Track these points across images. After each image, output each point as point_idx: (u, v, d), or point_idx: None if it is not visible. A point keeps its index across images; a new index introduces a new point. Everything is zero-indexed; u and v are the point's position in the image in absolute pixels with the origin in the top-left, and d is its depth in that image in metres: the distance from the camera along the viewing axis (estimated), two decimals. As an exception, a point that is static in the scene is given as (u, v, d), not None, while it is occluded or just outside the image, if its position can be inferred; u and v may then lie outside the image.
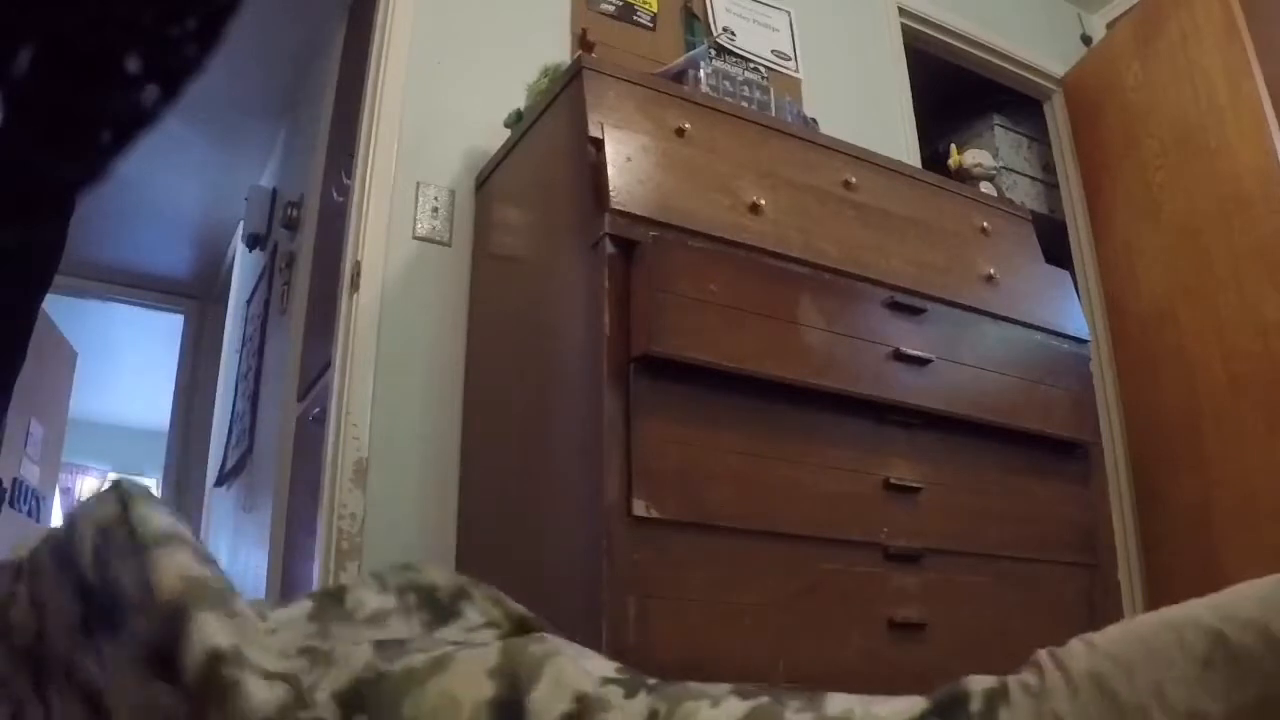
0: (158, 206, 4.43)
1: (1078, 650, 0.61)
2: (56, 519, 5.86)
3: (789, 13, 2.80)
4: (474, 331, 2.02)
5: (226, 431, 3.85)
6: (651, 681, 0.62)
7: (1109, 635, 0.62)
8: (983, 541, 1.69)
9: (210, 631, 0.61)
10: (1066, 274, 2.14)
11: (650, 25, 2.51)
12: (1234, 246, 2.63)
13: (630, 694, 0.60)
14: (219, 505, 3.92)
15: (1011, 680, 0.61)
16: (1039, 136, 3.49)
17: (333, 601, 0.81)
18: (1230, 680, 0.56)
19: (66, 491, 7.08)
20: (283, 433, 2.68)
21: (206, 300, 5.26)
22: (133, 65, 0.37)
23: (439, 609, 0.82)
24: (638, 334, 1.42)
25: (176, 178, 4.19)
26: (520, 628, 0.82)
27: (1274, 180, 2.52)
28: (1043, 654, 0.62)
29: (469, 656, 0.63)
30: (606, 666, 0.65)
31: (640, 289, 1.45)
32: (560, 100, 1.75)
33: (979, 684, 0.61)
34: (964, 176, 2.52)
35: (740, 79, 2.51)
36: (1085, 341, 1.99)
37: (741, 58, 2.61)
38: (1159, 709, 0.56)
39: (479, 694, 0.60)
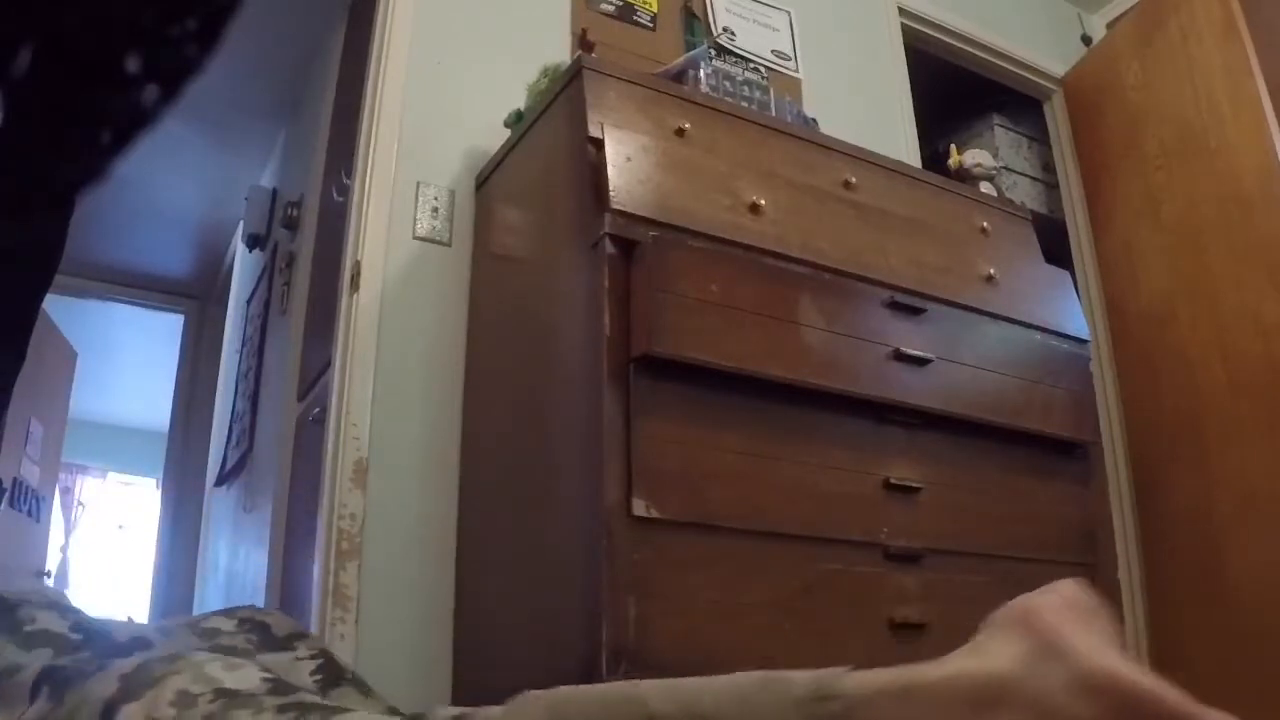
0: (158, 206, 4.44)
1: (544, 695, 0.63)
2: (56, 519, 5.86)
3: (789, 13, 2.80)
4: (474, 331, 2.02)
5: (226, 431, 3.85)
6: (248, 692, 0.65)
7: (564, 693, 0.63)
8: (983, 541, 1.69)
9: None
10: (1066, 274, 2.14)
11: (650, 25, 2.51)
12: (1234, 246, 2.63)
13: (212, 699, 0.63)
14: (219, 505, 3.92)
15: (481, 710, 0.62)
16: (1039, 136, 3.49)
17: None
18: None
19: (66, 491, 7.08)
20: (283, 433, 2.68)
21: (206, 300, 5.26)
22: (133, 65, 0.37)
23: (272, 640, 0.85)
24: (638, 334, 1.42)
25: (176, 178, 4.20)
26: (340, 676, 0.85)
27: (1274, 180, 2.52)
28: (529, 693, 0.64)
29: (119, 664, 0.67)
30: (242, 680, 0.66)
31: (640, 289, 1.45)
32: (560, 100, 1.75)
33: (444, 712, 0.63)
34: (964, 176, 2.52)
35: (740, 79, 2.51)
36: (1085, 341, 1.99)
37: (741, 58, 2.61)
38: None
39: (104, 693, 0.64)
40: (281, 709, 0.61)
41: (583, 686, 0.62)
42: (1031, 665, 0.48)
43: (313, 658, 0.84)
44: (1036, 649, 0.48)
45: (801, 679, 0.52)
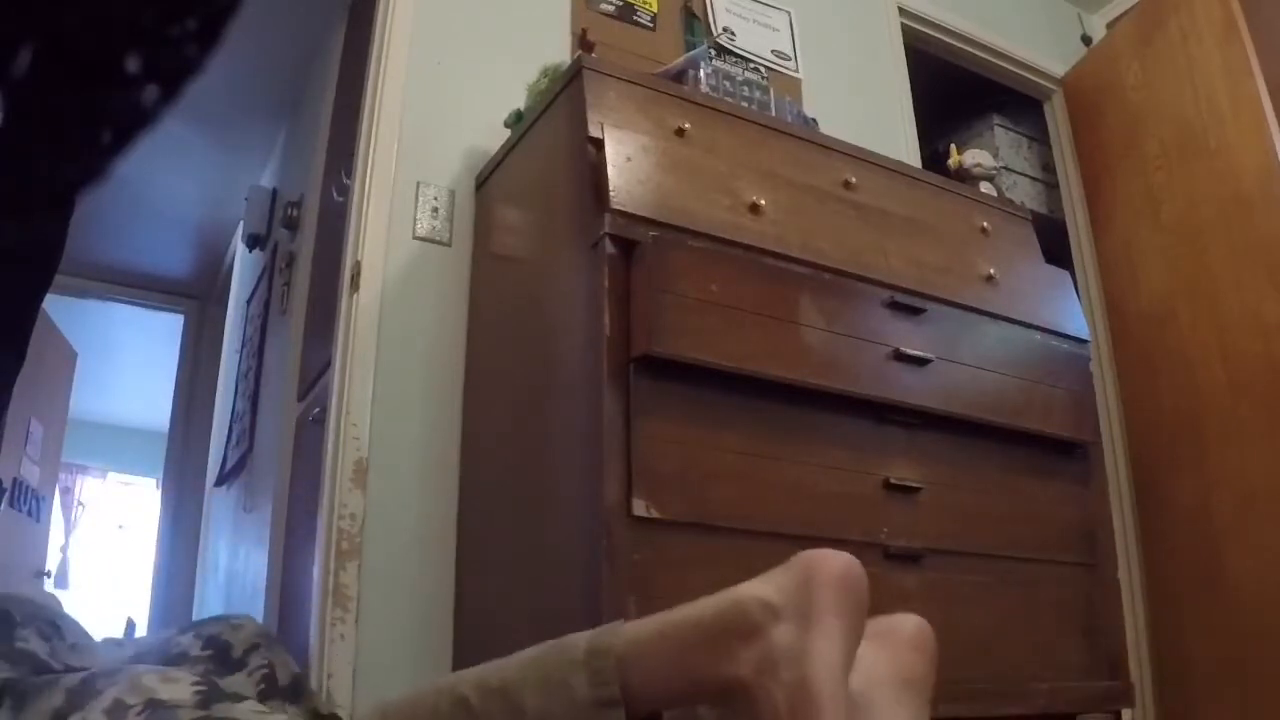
0: (158, 206, 4.44)
1: (377, 703, 0.69)
2: (56, 519, 5.87)
3: (789, 13, 2.80)
4: (474, 331, 2.02)
5: (226, 431, 3.85)
6: (174, 702, 0.68)
7: (402, 694, 0.68)
8: (983, 541, 1.69)
9: None
10: (1066, 274, 2.14)
11: (650, 25, 2.51)
12: (1234, 246, 2.63)
13: (141, 710, 0.67)
14: (219, 505, 3.92)
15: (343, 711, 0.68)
16: (1039, 136, 3.49)
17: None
18: None
19: (66, 491, 7.08)
20: (283, 433, 2.68)
21: (206, 300, 5.26)
22: (133, 65, 0.37)
23: (229, 661, 0.88)
24: (638, 334, 1.42)
25: (176, 178, 4.20)
26: (294, 686, 0.88)
27: (1274, 180, 2.52)
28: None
29: (69, 678, 0.72)
30: (175, 692, 0.69)
31: (640, 289, 1.45)
32: (560, 100, 1.75)
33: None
34: (964, 176, 2.51)
35: (740, 79, 2.51)
36: (1085, 341, 1.99)
37: (741, 58, 2.61)
38: None
39: (51, 704, 0.71)
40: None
41: (416, 687, 0.68)
42: (782, 625, 0.52)
43: (259, 669, 0.86)
44: (800, 613, 0.52)
45: (583, 639, 0.56)
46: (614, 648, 0.55)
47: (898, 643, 0.49)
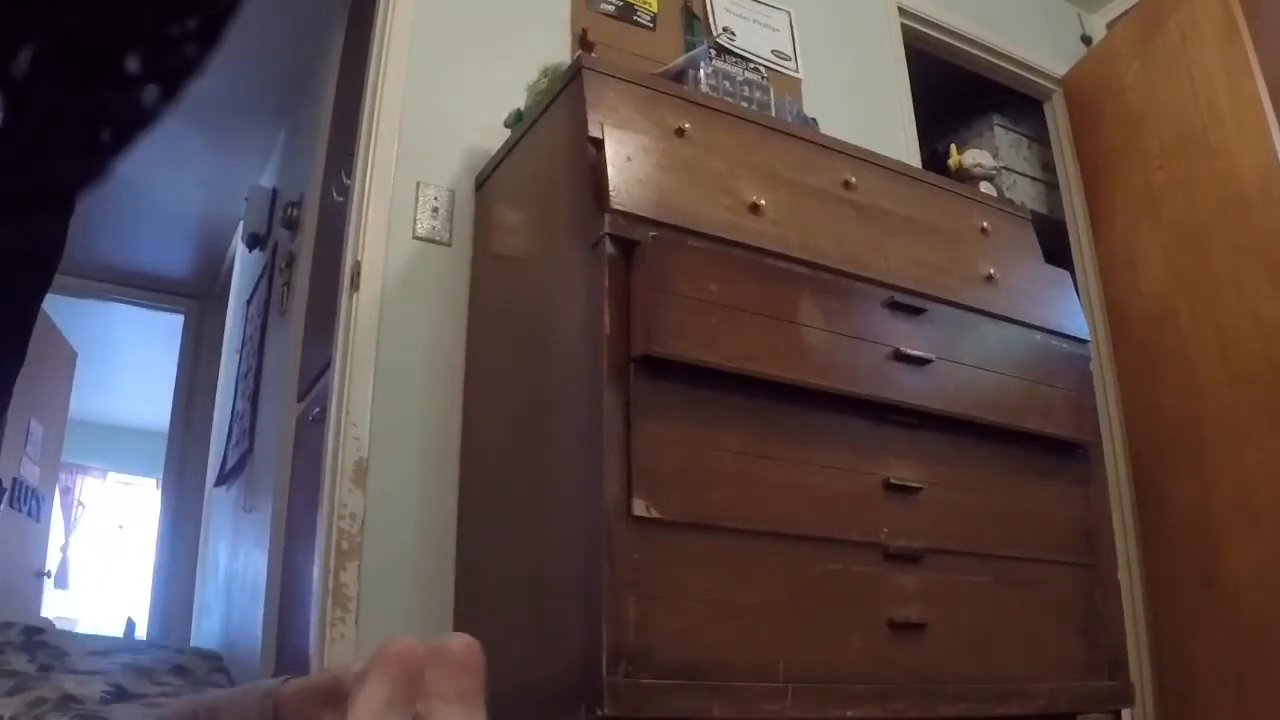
0: (158, 206, 4.44)
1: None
2: (56, 519, 5.87)
3: (789, 13, 2.80)
4: (474, 332, 2.02)
5: (226, 431, 3.85)
6: (80, 697, 0.71)
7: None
8: (983, 541, 1.69)
9: None
10: (1066, 274, 2.14)
11: (650, 25, 2.51)
12: (1234, 246, 2.63)
13: (54, 707, 0.69)
14: (219, 505, 3.92)
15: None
16: (1039, 136, 3.49)
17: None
18: None
19: (66, 491, 7.09)
20: (283, 433, 2.68)
21: (206, 300, 5.26)
22: (133, 65, 0.37)
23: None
24: (638, 334, 1.42)
25: (176, 178, 4.20)
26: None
27: (1274, 180, 2.52)
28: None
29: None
30: (86, 691, 0.72)
31: (640, 289, 1.45)
32: (560, 100, 1.75)
33: None
34: (964, 176, 2.51)
35: (740, 79, 2.51)
36: (1085, 341, 1.99)
37: (741, 58, 2.61)
38: None
39: None
40: (79, 715, 0.67)
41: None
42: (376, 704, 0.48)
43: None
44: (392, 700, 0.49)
45: (267, 685, 0.57)
46: (276, 692, 0.57)
47: (447, 662, 0.45)
